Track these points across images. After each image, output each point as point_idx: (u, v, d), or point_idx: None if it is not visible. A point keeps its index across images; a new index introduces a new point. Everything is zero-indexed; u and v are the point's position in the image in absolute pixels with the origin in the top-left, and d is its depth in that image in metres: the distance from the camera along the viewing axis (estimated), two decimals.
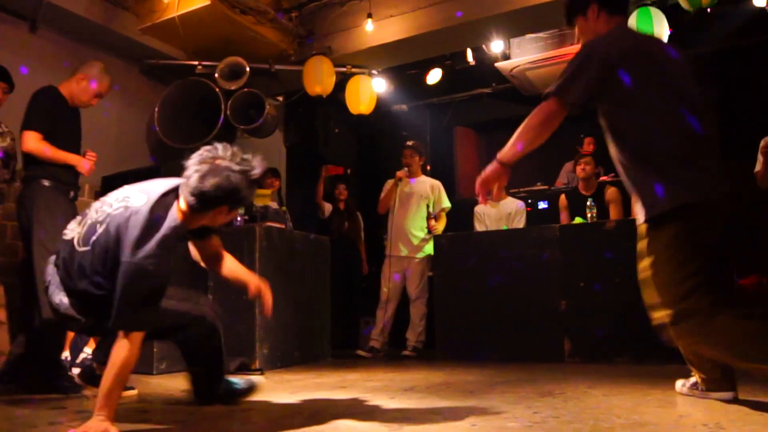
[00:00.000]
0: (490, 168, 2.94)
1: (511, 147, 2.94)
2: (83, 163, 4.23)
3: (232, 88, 6.32)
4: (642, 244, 3.06)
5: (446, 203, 6.61)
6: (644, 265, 3.05)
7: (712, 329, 2.61)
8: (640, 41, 2.89)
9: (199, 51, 6.47)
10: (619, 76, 2.68)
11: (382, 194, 6.57)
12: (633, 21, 5.71)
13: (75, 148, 4.25)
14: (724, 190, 2.68)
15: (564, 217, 6.23)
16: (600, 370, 4.60)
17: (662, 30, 5.65)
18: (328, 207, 7.69)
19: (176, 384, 4.11)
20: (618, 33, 2.84)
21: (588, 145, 7.95)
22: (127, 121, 6.44)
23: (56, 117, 4.17)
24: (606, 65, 2.72)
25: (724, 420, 2.57)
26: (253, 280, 3.18)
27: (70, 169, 4.22)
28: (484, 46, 7.34)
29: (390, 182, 6.56)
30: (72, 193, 4.25)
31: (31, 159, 4.08)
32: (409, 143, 6.67)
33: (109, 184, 5.87)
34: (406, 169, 6.48)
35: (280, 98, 7.53)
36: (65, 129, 4.22)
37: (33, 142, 4.03)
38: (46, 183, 4.07)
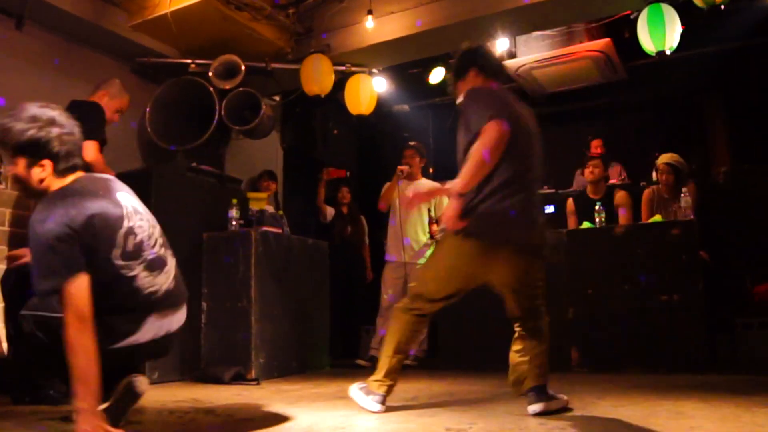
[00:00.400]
0: (455, 205, 3.05)
1: (470, 180, 3.01)
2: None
3: (227, 87, 6.21)
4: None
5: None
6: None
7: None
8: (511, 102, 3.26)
9: (192, 49, 6.35)
10: None
11: (383, 190, 6.43)
12: (644, 18, 5.56)
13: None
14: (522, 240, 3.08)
15: (571, 222, 6.17)
16: (608, 379, 4.60)
17: (674, 27, 5.50)
18: (330, 211, 7.58)
19: (169, 394, 4.17)
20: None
21: (596, 148, 7.81)
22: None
23: (102, 130, 4.60)
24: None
25: (735, 431, 2.55)
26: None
27: None
28: (489, 44, 7.20)
29: (389, 183, 6.43)
30: None
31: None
32: (411, 143, 6.59)
33: None
34: (407, 166, 6.34)
35: (277, 98, 7.45)
36: (103, 144, 4.59)
37: (94, 152, 4.34)
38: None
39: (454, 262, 3.14)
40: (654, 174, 6.42)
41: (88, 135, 4.17)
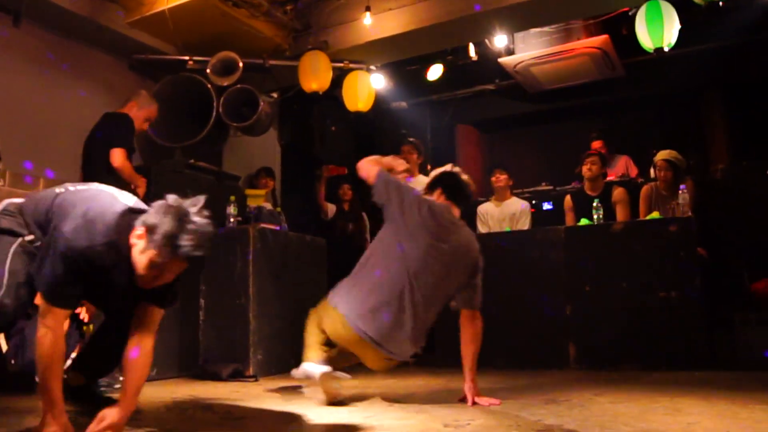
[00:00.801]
0: None
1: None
2: (144, 187, 4.77)
3: (225, 84, 6.19)
4: None
5: None
6: None
7: None
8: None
9: (189, 45, 6.33)
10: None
11: None
12: (642, 14, 5.56)
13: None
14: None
15: (569, 219, 6.16)
16: (606, 376, 4.61)
17: (672, 24, 5.49)
18: (331, 208, 7.58)
19: (167, 391, 4.19)
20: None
21: (601, 149, 7.75)
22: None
23: (131, 140, 4.84)
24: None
25: (733, 428, 2.54)
26: (119, 409, 2.57)
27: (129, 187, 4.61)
28: (486, 41, 7.24)
29: None
30: None
31: (105, 172, 4.54)
32: (410, 139, 6.60)
33: (85, 175, 5.75)
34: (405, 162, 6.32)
35: (275, 95, 7.42)
36: (131, 153, 4.82)
37: (121, 158, 4.62)
38: None
39: None
40: (652, 171, 6.41)
41: (116, 143, 4.54)
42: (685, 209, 5.25)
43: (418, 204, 3.51)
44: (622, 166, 7.60)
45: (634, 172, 7.51)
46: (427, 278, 3.40)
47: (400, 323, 3.35)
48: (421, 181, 6.41)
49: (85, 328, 4.89)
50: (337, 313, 3.39)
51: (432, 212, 3.51)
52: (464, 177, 3.80)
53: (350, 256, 7.10)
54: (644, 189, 6.03)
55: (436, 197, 3.69)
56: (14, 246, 2.65)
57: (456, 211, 3.66)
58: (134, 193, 4.55)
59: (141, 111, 5.05)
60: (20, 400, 3.79)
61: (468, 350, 3.60)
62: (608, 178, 6.83)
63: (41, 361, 2.35)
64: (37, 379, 2.41)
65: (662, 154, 5.93)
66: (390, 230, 3.54)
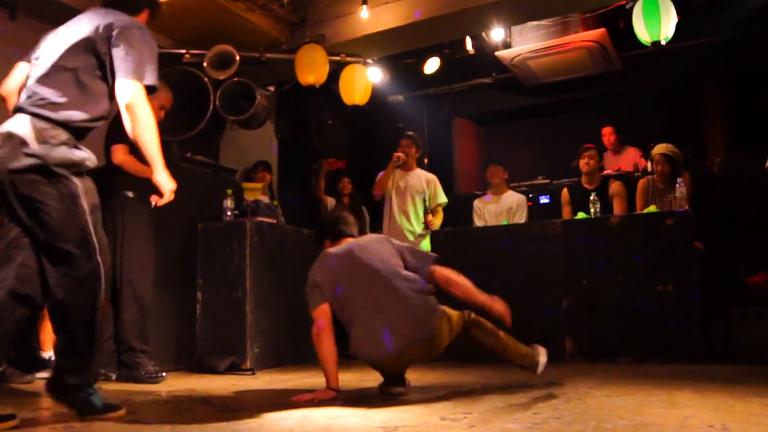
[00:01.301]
0: None
1: None
2: (166, 182, 4.54)
3: (221, 77, 6.18)
4: None
5: (442, 199, 6.45)
6: None
7: None
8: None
9: (186, 39, 6.32)
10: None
11: (378, 177, 6.41)
12: (639, 8, 5.55)
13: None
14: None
15: (566, 212, 6.15)
16: (602, 369, 4.61)
17: (669, 17, 5.49)
18: (330, 201, 7.56)
19: (164, 384, 4.23)
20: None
21: (610, 135, 7.77)
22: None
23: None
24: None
25: (730, 421, 2.54)
26: None
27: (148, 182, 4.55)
28: (483, 34, 7.23)
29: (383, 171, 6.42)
30: (153, 205, 4.57)
31: (115, 171, 4.43)
32: (408, 133, 6.58)
33: (95, 176, 5.71)
34: (404, 154, 6.32)
35: (272, 88, 7.40)
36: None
37: (121, 154, 4.44)
38: (129, 195, 4.49)
39: None
40: (649, 164, 6.41)
41: (114, 139, 4.42)
42: (682, 203, 5.25)
43: (330, 279, 3.64)
44: (632, 157, 7.60)
45: (642, 164, 7.51)
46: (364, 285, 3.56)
47: (389, 320, 3.45)
48: (418, 175, 6.44)
49: None
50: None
51: (338, 263, 3.67)
52: (334, 216, 4.07)
53: None
54: (641, 183, 6.03)
55: (328, 246, 3.87)
56: None
57: (351, 239, 3.86)
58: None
59: (153, 100, 4.96)
60: (18, 392, 3.79)
61: (464, 290, 3.72)
62: (607, 172, 6.85)
63: None
64: None
65: (659, 148, 5.92)
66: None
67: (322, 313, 3.58)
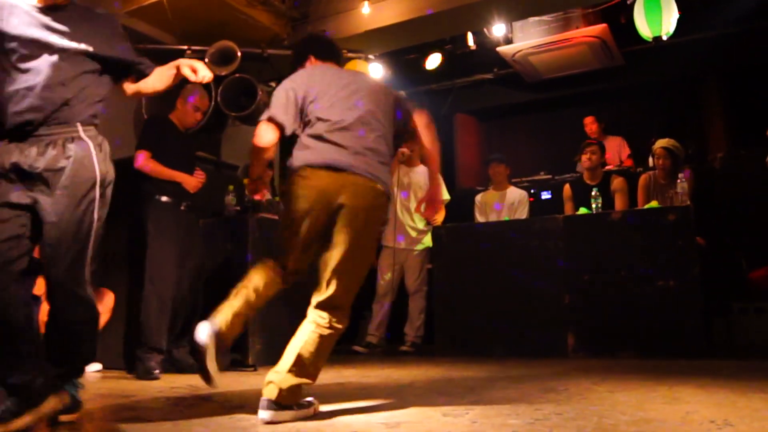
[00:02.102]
0: None
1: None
2: (189, 180, 4.76)
3: (223, 73, 6.17)
4: None
5: (445, 195, 6.44)
6: None
7: None
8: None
9: (188, 35, 6.31)
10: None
11: None
12: (640, 3, 5.55)
13: (184, 168, 4.77)
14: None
15: (568, 208, 6.13)
16: (604, 365, 4.59)
17: (671, 12, 5.49)
18: None
19: (166, 381, 4.19)
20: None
21: (590, 125, 7.76)
22: (115, 109, 6.23)
23: (164, 139, 4.76)
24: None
25: (732, 416, 2.52)
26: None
27: (179, 185, 4.73)
28: (485, 30, 7.23)
29: None
30: (184, 205, 4.75)
31: (143, 176, 4.63)
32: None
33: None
34: (408, 150, 6.32)
35: (273, 84, 7.37)
36: (174, 152, 4.77)
37: (142, 159, 4.63)
38: (158, 197, 4.62)
39: None
40: (651, 160, 6.40)
41: (137, 145, 4.72)
42: (684, 198, 5.25)
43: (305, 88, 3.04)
44: (615, 146, 7.60)
45: (625, 153, 7.51)
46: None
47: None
48: (421, 171, 6.43)
49: None
50: None
51: (320, 75, 3.11)
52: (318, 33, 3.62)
53: None
54: (642, 178, 6.02)
55: (311, 64, 3.27)
56: None
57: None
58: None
59: (186, 104, 4.98)
60: None
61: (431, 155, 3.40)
62: (608, 167, 6.83)
63: None
64: None
65: (661, 143, 5.92)
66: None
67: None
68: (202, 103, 5.07)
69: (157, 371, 4.38)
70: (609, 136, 7.72)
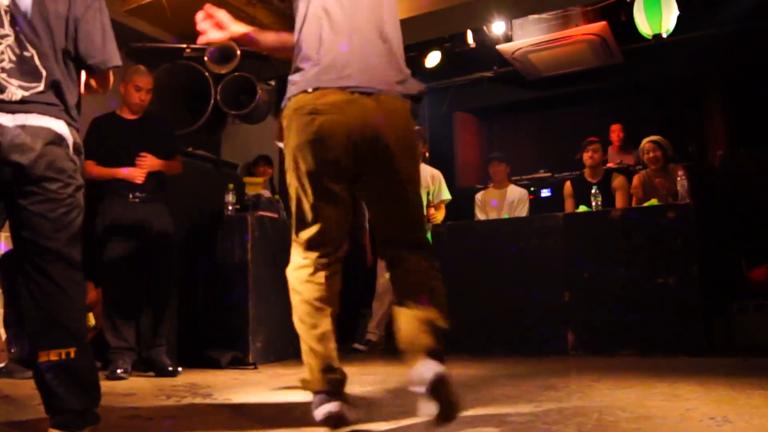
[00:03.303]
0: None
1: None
2: (131, 172, 4.53)
3: (223, 72, 6.16)
4: None
5: (446, 195, 6.46)
6: None
7: None
8: None
9: (187, 33, 6.22)
10: None
11: None
12: (640, 1, 5.55)
13: (129, 159, 4.56)
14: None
15: (569, 205, 6.15)
16: (604, 362, 4.61)
17: (671, 10, 5.49)
18: None
19: (166, 379, 4.20)
20: None
21: (617, 132, 7.74)
22: (112, 108, 6.26)
23: (106, 138, 4.61)
24: None
25: (731, 413, 2.53)
26: None
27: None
28: (485, 28, 7.23)
29: None
30: (131, 196, 4.56)
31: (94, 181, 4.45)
32: (415, 127, 6.52)
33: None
34: None
35: (273, 83, 7.38)
36: (119, 146, 4.60)
37: (87, 169, 4.26)
38: (107, 198, 4.53)
39: None
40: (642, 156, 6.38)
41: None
42: (683, 196, 5.25)
43: None
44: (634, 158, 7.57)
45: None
46: None
47: None
48: (423, 170, 6.42)
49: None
50: None
51: None
52: None
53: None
54: (636, 177, 5.99)
55: None
56: None
57: None
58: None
59: (127, 86, 4.71)
60: (22, 386, 3.81)
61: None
62: (610, 165, 6.84)
63: None
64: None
65: (647, 138, 5.90)
66: None
67: None
68: (142, 81, 4.73)
69: (120, 371, 4.22)
70: (633, 150, 7.67)
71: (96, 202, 4.51)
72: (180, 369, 4.50)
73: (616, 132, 7.76)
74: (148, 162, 4.57)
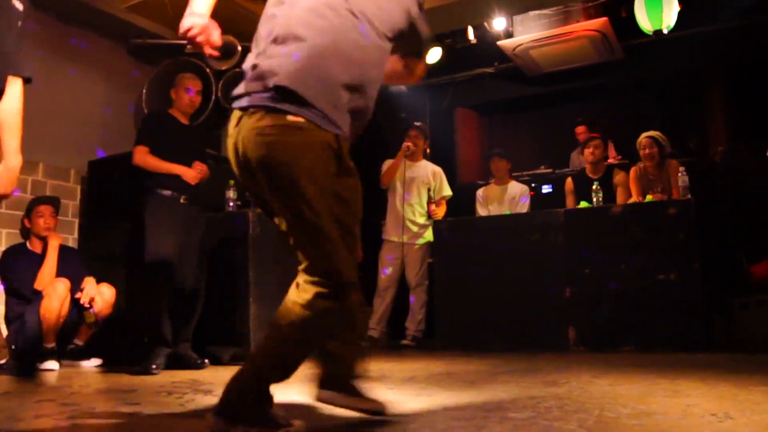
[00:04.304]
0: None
1: None
2: (187, 172, 4.70)
3: (224, 68, 6.01)
4: None
5: (447, 191, 6.48)
6: None
7: None
8: None
9: None
10: None
11: (386, 167, 6.41)
12: None
13: (186, 162, 4.74)
14: None
15: (570, 201, 6.15)
16: (605, 358, 4.60)
17: (671, 6, 5.48)
18: None
19: (167, 376, 4.18)
20: None
21: (581, 135, 7.72)
22: (114, 104, 6.27)
23: (163, 134, 4.75)
24: None
25: (732, 409, 2.52)
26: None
27: (179, 178, 4.70)
28: (485, 24, 7.20)
29: (390, 161, 6.40)
30: (184, 198, 4.70)
31: (144, 172, 4.67)
32: (416, 124, 6.57)
33: (96, 169, 5.73)
34: (411, 144, 6.33)
35: None
36: (174, 145, 4.76)
37: (138, 155, 4.67)
38: (157, 191, 4.63)
39: None
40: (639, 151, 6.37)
41: (135, 141, 4.76)
42: (684, 191, 5.25)
43: None
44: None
45: (612, 155, 7.47)
46: None
47: None
48: (424, 166, 6.45)
49: (85, 312, 4.92)
50: None
51: None
52: None
53: None
54: (633, 170, 5.96)
55: None
56: None
57: None
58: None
59: (178, 90, 4.96)
60: (23, 382, 3.81)
61: None
62: (610, 161, 6.82)
63: None
64: None
65: (644, 134, 5.89)
66: None
67: None
68: (193, 83, 4.98)
69: (153, 366, 4.30)
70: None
71: (143, 196, 4.68)
72: (207, 361, 4.66)
73: (582, 134, 7.70)
74: (203, 169, 4.82)
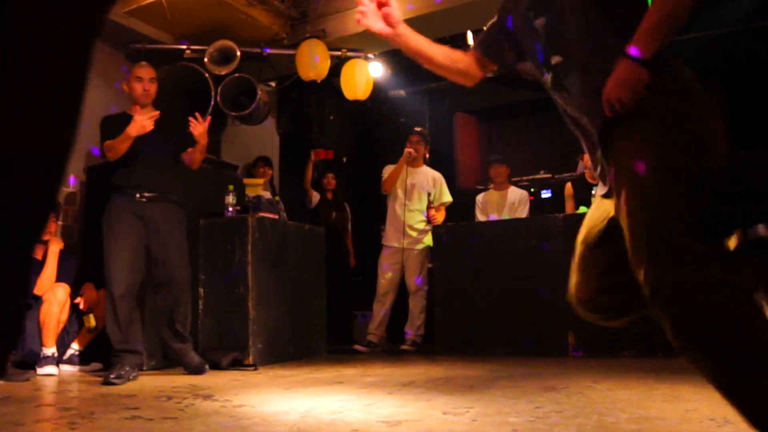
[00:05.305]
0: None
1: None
2: (136, 120, 4.29)
3: (223, 73, 6.18)
4: None
5: (447, 198, 6.49)
6: None
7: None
8: None
9: (187, 34, 6.30)
10: None
11: (386, 173, 6.41)
12: None
13: (156, 152, 4.54)
14: None
15: (570, 206, 6.15)
16: (604, 364, 4.61)
17: None
18: (315, 196, 7.56)
19: (167, 380, 4.19)
20: None
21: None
22: (113, 109, 6.26)
23: (120, 131, 4.35)
24: None
25: (731, 414, 2.52)
26: None
27: (132, 172, 4.45)
28: (484, 29, 7.16)
29: (390, 166, 6.41)
30: (138, 195, 4.45)
31: (110, 179, 4.50)
32: (417, 129, 6.59)
33: (95, 174, 5.73)
34: (413, 150, 6.34)
35: (273, 84, 7.41)
36: (136, 139, 4.38)
37: (105, 150, 4.44)
38: (113, 196, 4.48)
39: None
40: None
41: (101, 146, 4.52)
42: None
43: None
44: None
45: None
46: None
47: None
48: (425, 172, 6.46)
49: (84, 317, 4.93)
50: None
51: None
52: None
53: (332, 246, 7.03)
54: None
55: None
56: None
57: None
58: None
59: (129, 84, 4.71)
60: (21, 387, 3.81)
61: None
62: None
63: None
64: None
65: None
66: None
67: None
68: (144, 71, 4.66)
69: (113, 376, 4.03)
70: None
71: (104, 200, 4.51)
72: (207, 366, 4.56)
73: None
74: (151, 113, 4.43)
